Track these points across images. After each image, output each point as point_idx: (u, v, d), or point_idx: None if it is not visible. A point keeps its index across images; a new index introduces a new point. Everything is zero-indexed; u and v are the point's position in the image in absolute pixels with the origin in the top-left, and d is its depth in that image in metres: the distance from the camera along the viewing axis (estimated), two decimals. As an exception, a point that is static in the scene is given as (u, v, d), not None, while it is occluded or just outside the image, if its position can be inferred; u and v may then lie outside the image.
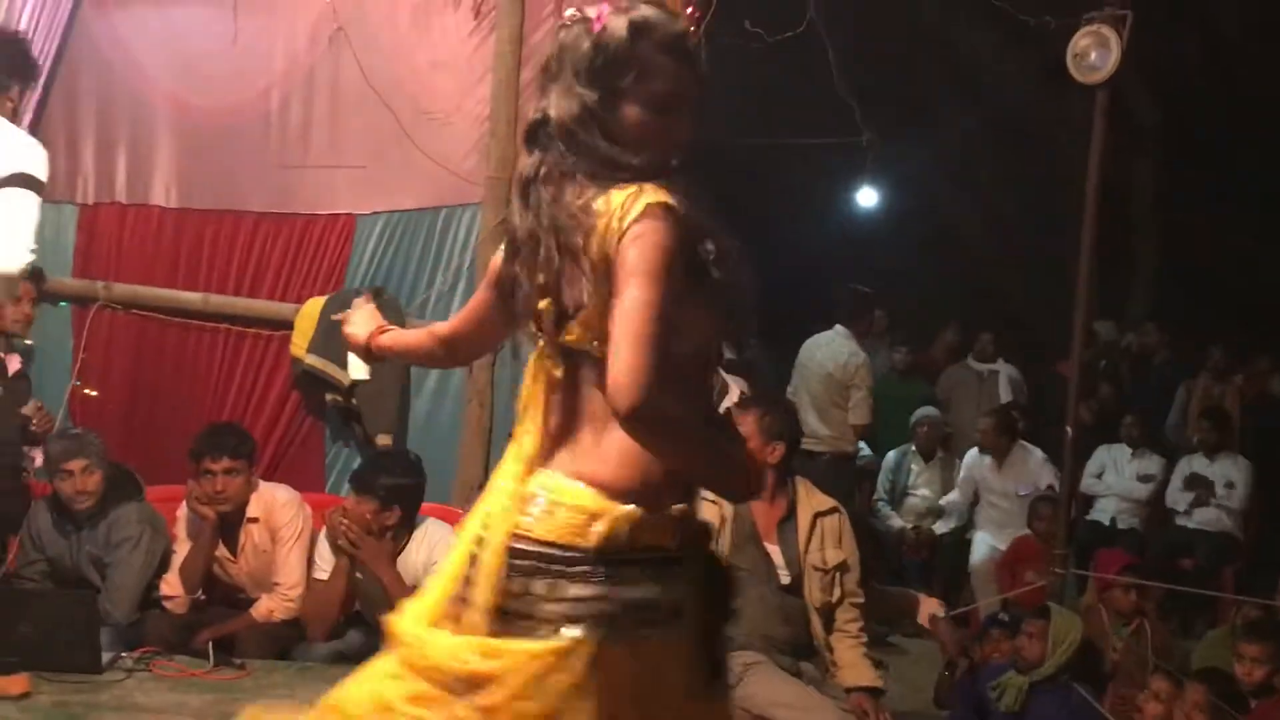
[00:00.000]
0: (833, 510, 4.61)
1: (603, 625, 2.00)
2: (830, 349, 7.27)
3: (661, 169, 2.12)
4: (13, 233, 4.01)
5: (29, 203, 4.05)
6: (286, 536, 4.97)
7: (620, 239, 2.00)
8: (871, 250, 11.79)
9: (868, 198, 12.36)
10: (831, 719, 4.14)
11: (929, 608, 5.76)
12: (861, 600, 4.59)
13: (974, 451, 8.03)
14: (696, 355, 2.16)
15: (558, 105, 2.15)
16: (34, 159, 4.12)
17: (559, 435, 2.16)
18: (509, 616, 2.05)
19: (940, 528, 8.21)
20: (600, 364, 2.03)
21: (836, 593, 4.51)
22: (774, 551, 4.47)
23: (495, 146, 5.62)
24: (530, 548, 2.06)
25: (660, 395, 1.95)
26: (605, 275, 2.02)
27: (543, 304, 2.12)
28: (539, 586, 2.04)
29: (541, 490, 2.10)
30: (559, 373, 2.14)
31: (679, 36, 2.20)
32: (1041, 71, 7.14)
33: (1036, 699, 5.00)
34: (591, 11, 2.17)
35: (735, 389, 5.36)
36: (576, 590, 2.02)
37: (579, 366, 2.13)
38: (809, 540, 4.49)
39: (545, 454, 2.16)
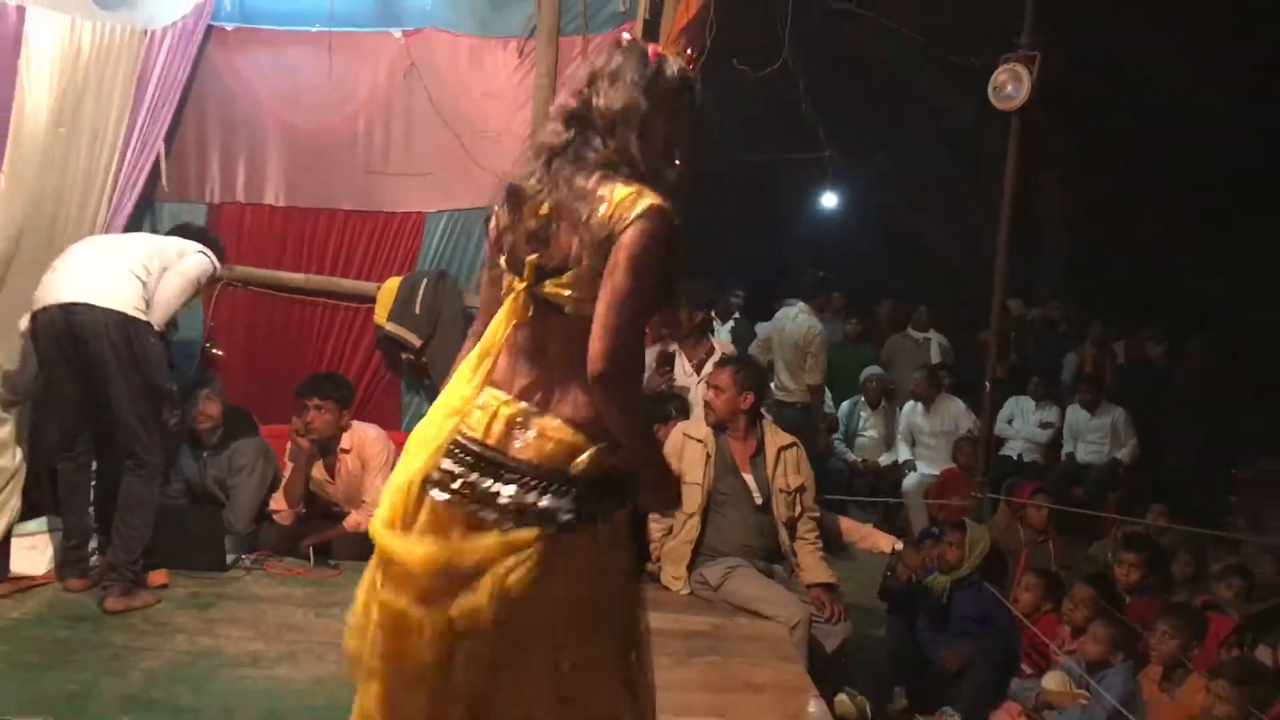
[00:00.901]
0: (792, 444, 4.70)
1: (566, 524, 2.02)
2: (795, 322, 7.25)
3: (667, 181, 2.11)
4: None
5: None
6: (373, 465, 4.97)
7: (626, 227, 1.99)
8: (832, 244, 11.77)
9: (829, 202, 12.33)
10: (796, 609, 4.17)
11: (847, 527, 5.81)
12: (818, 514, 4.67)
13: (910, 402, 8.06)
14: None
15: (609, 97, 2.13)
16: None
17: (518, 370, 2.14)
18: (476, 510, 2.04)
19: (884, 460, 8.24)
20: (570, 321, 2.05)
21: (798, 509, 4.58)
22: (748, 479, 4.54)
23: (535, 159, 5.59)
24: (518, 464, 2.05)
25: (626, 367, 1.99)
26: (601, 251, 2.00)
27: (530, 257, 2.09)
28: (521, 494, 2.03)
29: (531, 420, 2.08)
30: (527, 317, 2.11)
31: (695, 98, 2.23)
32: (968, 100, 7.08)
33: (957, 594, 5.02)
34: (645, 46, 2.21)
35: (719, 349, 5.35)
36: (552, 501, 2.03)
37: (547, 316, 2.10)
38: (775, 468, 4.55)
39: (505, 383, 2.14)
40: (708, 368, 5.24)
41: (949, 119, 9.68)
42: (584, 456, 2.05)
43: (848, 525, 5.71)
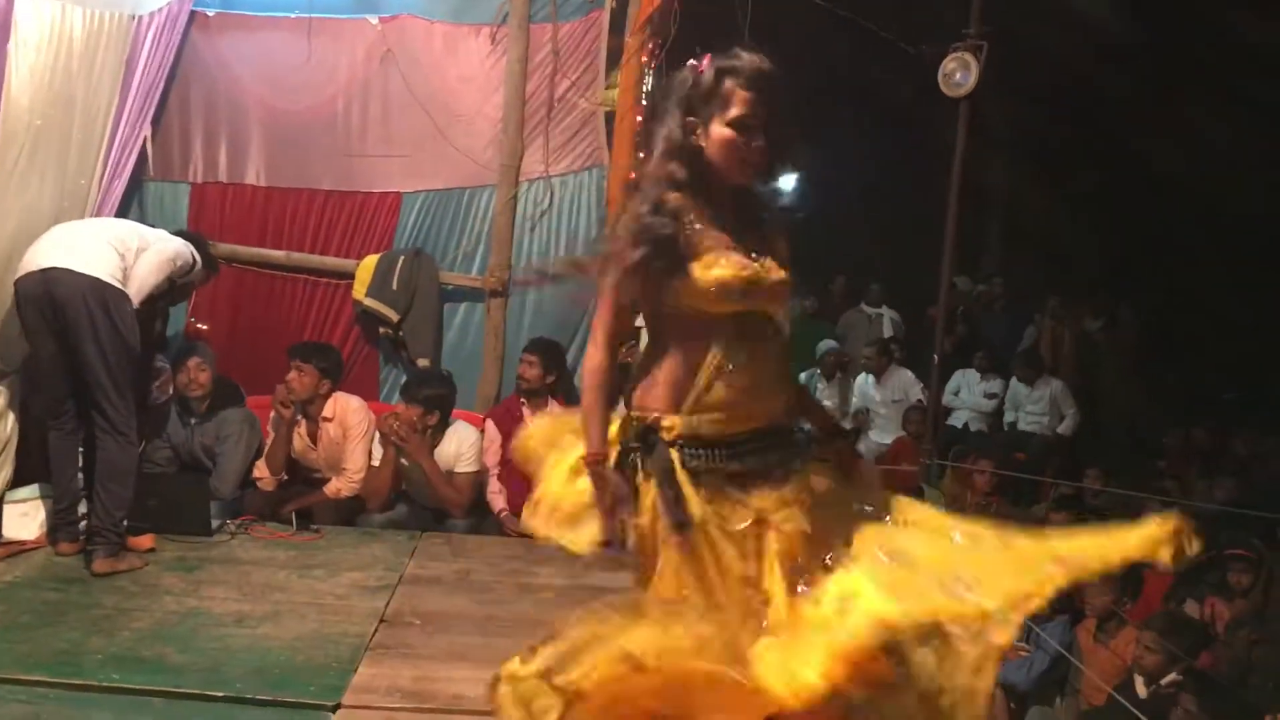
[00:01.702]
0: None
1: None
2: None
3: (746, 176, 2.25)
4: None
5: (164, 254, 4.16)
6: (354, 433, 4.95)
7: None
8: (789, 223, 11.76)
9: (787, 183, 12.31)
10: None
11: None
12: None
13: (862, 374, 8.11)
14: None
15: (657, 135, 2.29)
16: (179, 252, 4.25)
17: None
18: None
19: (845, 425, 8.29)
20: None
21: None
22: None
23: (506, 142, 5.57)
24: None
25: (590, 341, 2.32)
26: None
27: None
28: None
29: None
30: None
31: (756, 73, 2.21)
32: (920, 88, 7.09)
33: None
34: (698, 61, 2.27)
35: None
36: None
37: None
38: None
39: None
40: None
41: (900, 102, 9.70)
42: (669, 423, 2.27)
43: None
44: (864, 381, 8.08)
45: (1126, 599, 4.50)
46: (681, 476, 2.19)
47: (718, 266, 2.19)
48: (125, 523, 4.05)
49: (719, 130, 2.21)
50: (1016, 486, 6.35)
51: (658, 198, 2.22)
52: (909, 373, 7.98)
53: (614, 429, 2.31)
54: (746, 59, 2.22)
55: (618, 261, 2.21)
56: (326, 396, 4.99)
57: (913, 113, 8.63)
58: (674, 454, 2.21)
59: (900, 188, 11.06)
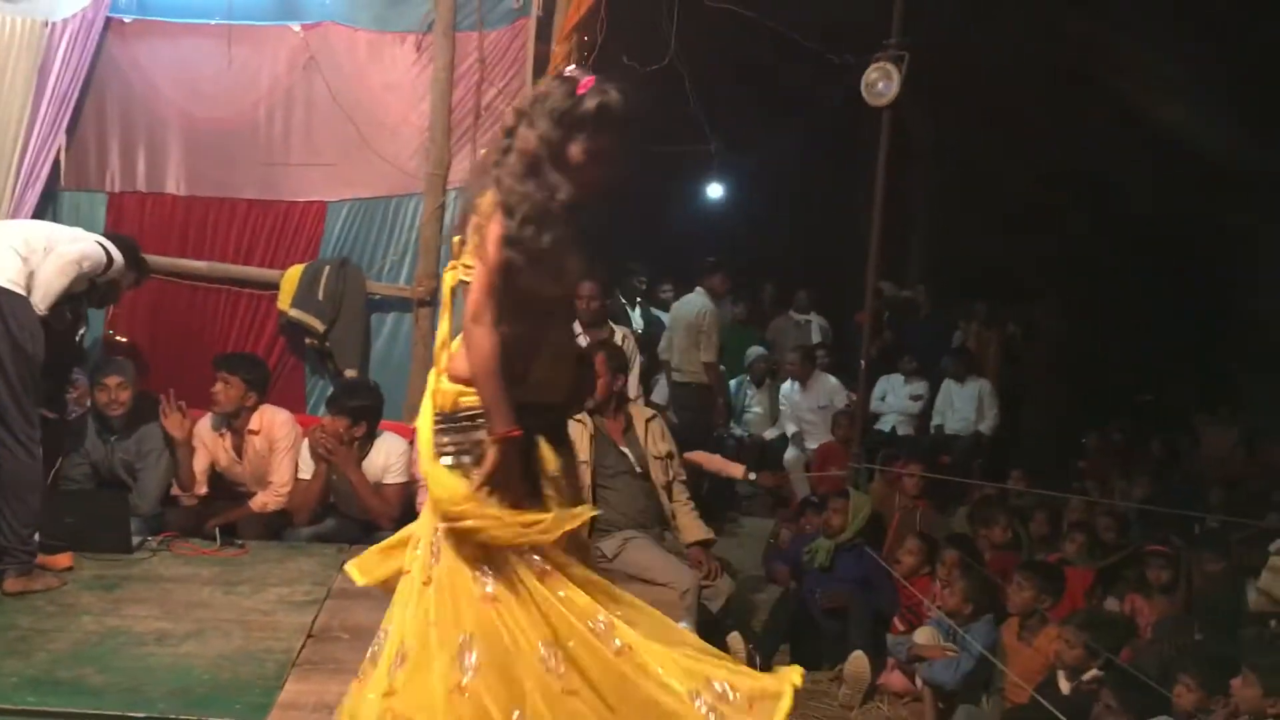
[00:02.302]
0: (655, 416, 4.88)
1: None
2: (689, 304, 7.31)
3: (585, 195, 2.47)
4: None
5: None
6: (281, 446, 4.87)
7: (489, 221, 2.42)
8: (718, 231, 11.85)
9: (715, 191, 12.42)
10: (686, 576, 4.24)
11: (732, 469, 5.92)
12: (685, 478, 4.77)
13: (789, 381, 8.19)
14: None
15: (524, 137, 2.46)
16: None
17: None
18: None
19: (770, 434, 8.35)
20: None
21: (670, 473, 4.68)
22: (626, 452, 4.60)
23: (433, 150, 5.53)
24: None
25: (476, 325, 2.38)
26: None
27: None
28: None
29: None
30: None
31: (626, 113, 2.47)
32: (843, 96, 7.19)
33: (840, 557, 5.13)
34: (577, 74, 2.49)
35: (620, 333, 5.37)
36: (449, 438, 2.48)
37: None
38: (645, 439, 4.63)
39: None
40: None
41: (824, 112, 9.82)
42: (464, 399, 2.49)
43: (702, 457, 5.78)
44: (789, 388, 8.15)
45: (1048, 597, 4.59)
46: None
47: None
48: (36, 538, 3.93)
49: (582, 155, 2.45)
50: (943, 489, 6.44)
51: (548, 204, 2.42)
52: (833, 379, 8.07)
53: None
54: (622, 96, 2.48)
55: (520, 249, 2.39)
56: (253, 409, 4.90)
57: (838, 121, 8.73)
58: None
59: (827, 195, 11.20)
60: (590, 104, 2.43)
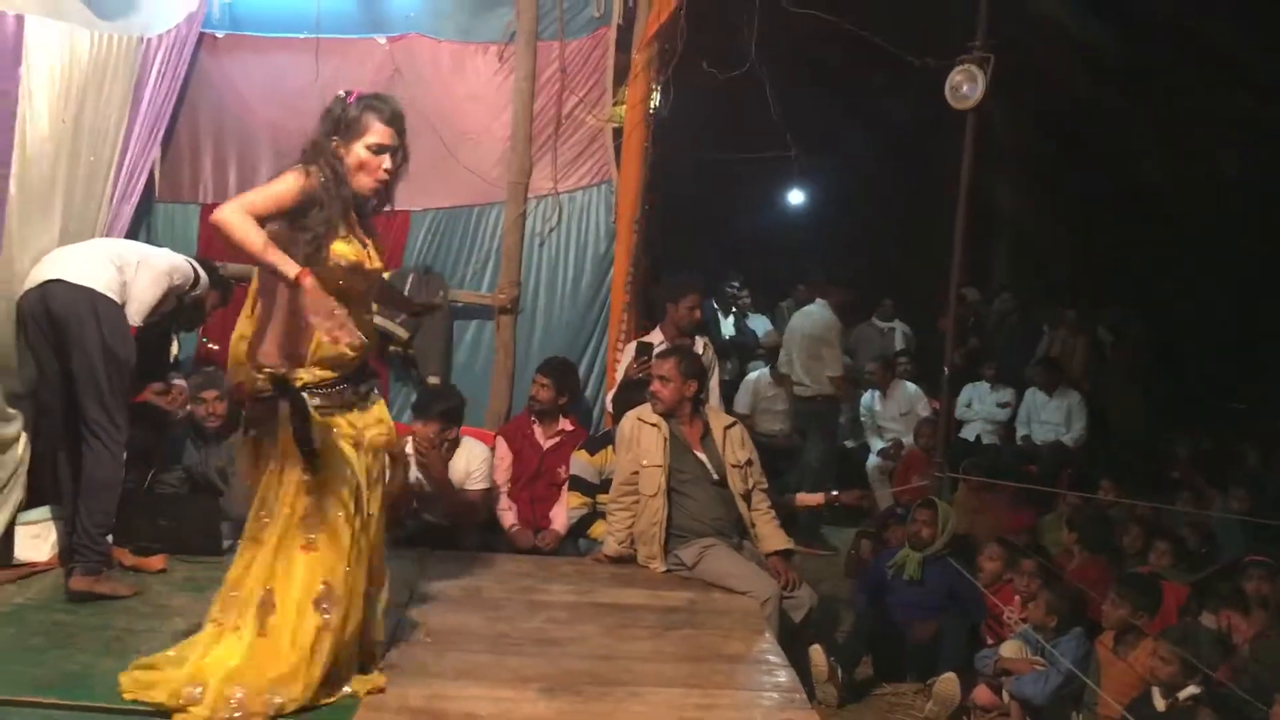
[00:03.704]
0: (734, 423, 4.81)
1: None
2: (811, 317, 7.31)
3: (367, 192, 3.00)
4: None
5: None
6: None
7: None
8: (795, 238, 11.78)
9: (796, 198, 12.34)
10: (767, 585, 4.19)
11: (807, 500, 5.87)
12: (766, 486, 4.74)
13: (868, 390, 8.11)
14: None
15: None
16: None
17: None
18: None
19: (850, 443, 8.27)
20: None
21: (750, 482, 4.63)
22: (703, 458, 4.56)
23: (515, 159, 5.58)
24: None
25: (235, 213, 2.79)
26: None
27: None
28: None
29: None
30: None
31: (391, 107, 3.02)
32: (925, 100, 7.08)
33: (926, 569, 5.03)
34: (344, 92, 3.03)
35: (699, 343, 5.35)
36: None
37: None
38: (724, 446, 4.59)
39: None
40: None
41: (906, 116, 9.69)
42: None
43: (803, 499, 5.80)
44: (869, 398, 8.06)
45: (1144, 612, 4.44)
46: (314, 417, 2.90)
47: (346, 245, 2.92)
48: (109, 540, 4.01)
49: (356, 151, 2.95)
50: (1029, 499, 6.29)
51: (333, 178, 2.91)
52: (913, 386, 7.96)
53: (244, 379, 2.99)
54: (388, 101, 3.03)
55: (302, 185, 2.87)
56: None
57: (920, 125, 8.61)
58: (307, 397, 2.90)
59: (909, 200, 11.05)
60: (354, 107, 2.96)
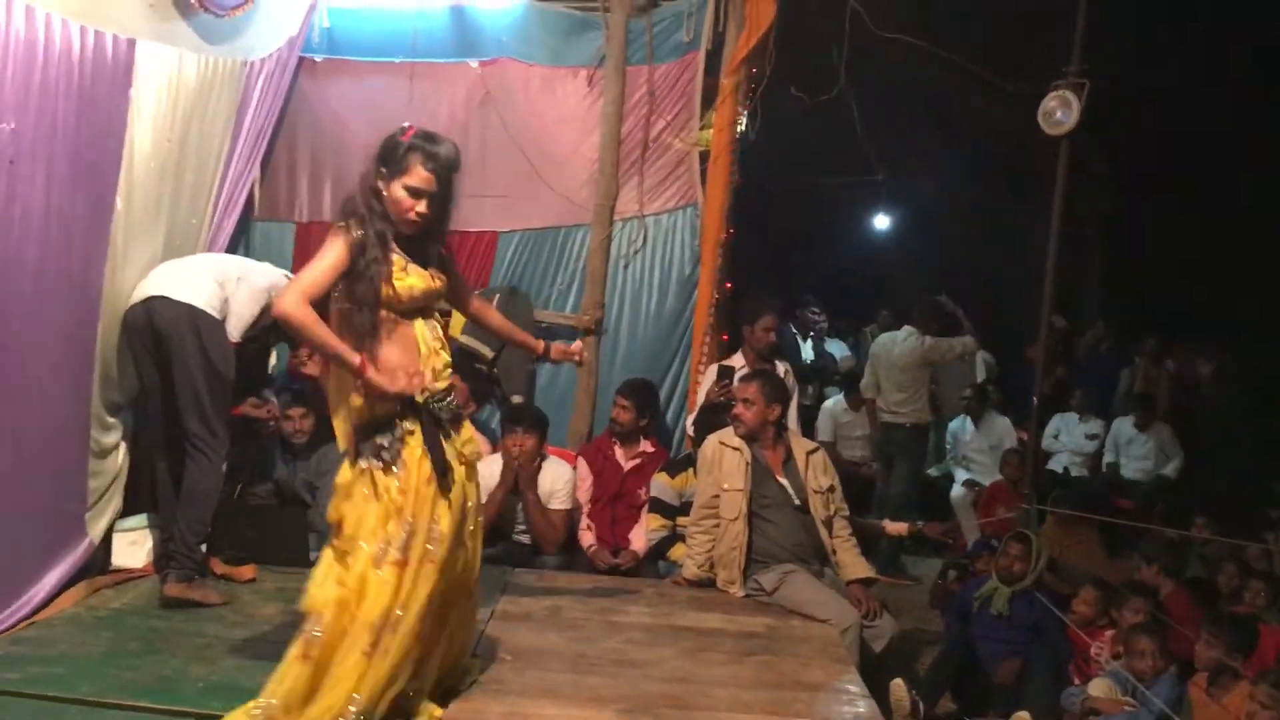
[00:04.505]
0: (816, 449, 4.74)
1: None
2: (903, 344, 7.22)
3: (405, 228, 3.01)
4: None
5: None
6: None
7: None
8: (880, 262, 11.68)
9: (881, 223, 12.23)
10: (848, 613, 4.13)
11: (893, 528, 5.78)
12: (848, 513, 4.67)
13: (959, 418, 7.95)
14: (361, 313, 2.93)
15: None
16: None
17: None
18: None
19: (934, 471, 8.13)
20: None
21: (832, 508, 4.57)
22: (785, 483, 4.52)
23: (602, 181, 5.61)
24: None
25: (296, 307, 2.85)
26: None
27: None
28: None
29: None
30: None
31: (438, 154, 3.00)
32: (1017, 125, 6.98)
33: (1014, 603, 4.91)
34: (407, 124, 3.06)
35: (781, 368, 5.31)
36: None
37: None
38: (806, 472, 4.55)
39: None
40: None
41: (995, 142, 9.56)
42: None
43: (893, 526, 5.71)
44: (959, 425, 7.91)
45: (1238, 653, 4.28)
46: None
47: (412, 277, 3.00)
48: (204, 549, 4.11)
49: (396, 189, 2.98)
50: (1119, 534, 6.12)
51: (369, 215, 2.98)
52: (1006, 420, 7.77)
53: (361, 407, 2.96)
54: (439, 146, 3.01)
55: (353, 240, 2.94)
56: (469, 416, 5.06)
57: (1009, 151, 8.49)
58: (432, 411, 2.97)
59: (995, 226, 10.89)
60: (404, 146, 2.98)
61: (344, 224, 2.97)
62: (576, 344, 3.95)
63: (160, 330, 4.02)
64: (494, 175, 5.69)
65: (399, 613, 2.87)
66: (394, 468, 2.92)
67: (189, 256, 4.58)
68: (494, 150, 5.68)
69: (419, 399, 2.96)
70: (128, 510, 4.43)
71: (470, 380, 5.15)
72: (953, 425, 8.01)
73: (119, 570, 4.32)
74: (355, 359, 2.86)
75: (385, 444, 2.93)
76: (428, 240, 3.10)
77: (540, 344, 3.78)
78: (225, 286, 4.19)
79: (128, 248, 4.27)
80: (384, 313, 2.98)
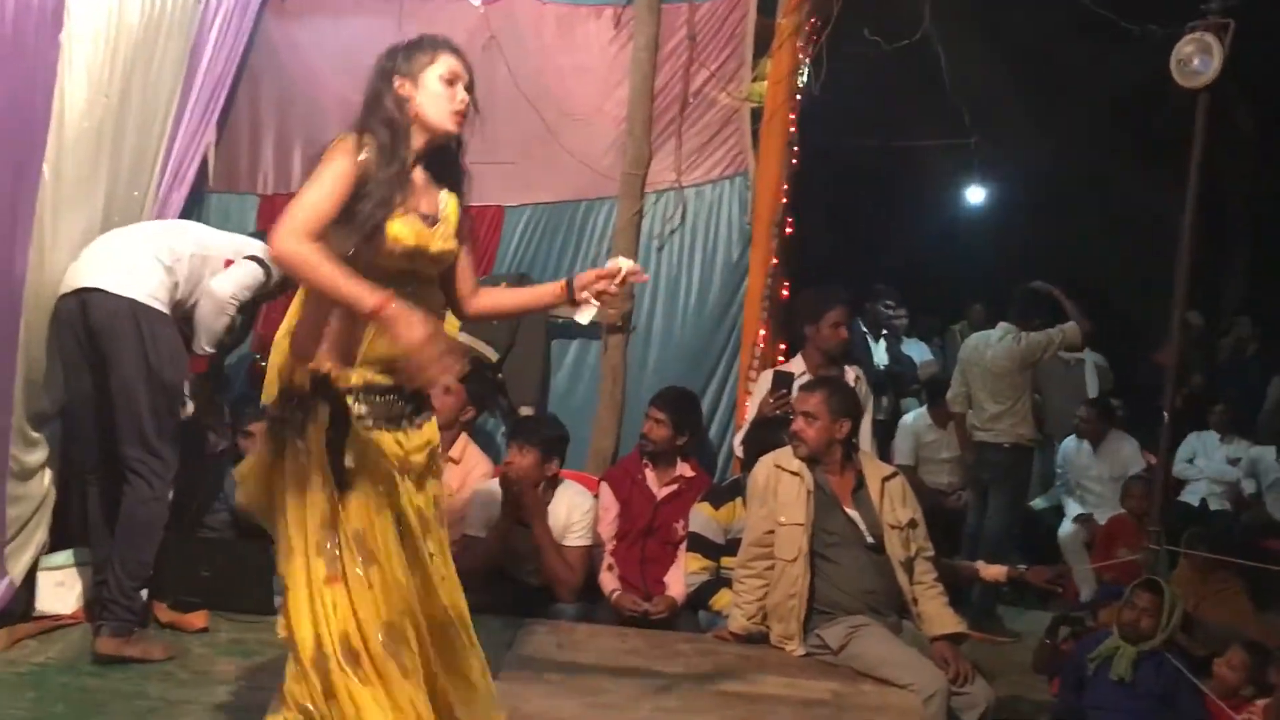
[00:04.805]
0: (894, 474, 4.72)
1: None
2: (999, 346, 7.15)
3: (450, 127, 2.98)
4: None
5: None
6: (466, 494, 5.03)
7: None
8: (974, 246, 11.63)
9: (975, 196, 12.18)
10: (933, 677, 4.11)
11: (990, 572, 5.72)
12: (932, 553, 4.63)
13: (1071, 438, 7.87)
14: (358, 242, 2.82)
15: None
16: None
17: None
18: None
19: (1039, 503, 8.08)
20: None
21: (912, 547, 4.55)
22: (855, 516, 4.51)
23: (631, 145, 5.62)
24: None
25: (295, 246, 2.71)
26: None
27: None
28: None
29: None
30: None
31: (457, 48, 3.04)
32: (1141, 77, 6.93)
33: (1139, 667, 4.87)
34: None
35: (851, 374, 5.30)
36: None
37: None
38: (881, 502, 4.54)
39: None
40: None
41: (1118, 96, 9.50)
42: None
43: (990, 570, 5.66)
44: (1072, 447, 7.82)
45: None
46: (356, 427, 2.87)
47: (403, 225, 2.86)
48: (144, 596, 4.12)
49: (428, 80, 2.95)
50: (1269, 583, 6.06)
51: (392, 150, 2.89)
52: (1133, 442, 7.66)
53: (277, 379, 2.96)
54: (449, 40, 3.04)
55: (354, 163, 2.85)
56: (466, 426, 5.11)
57: (1134, 108, 8.43)
58: (351, 403, 2.87)
59: (1115, 201, 10.83)
60: (413, 41, 3.00)
61: (358, 136, 2.88)
62: (618, 263, 3.44)
63: (96, 328, 4.05)
64: (499, 138, 5.67)
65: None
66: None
67: (131, 228, 4.57)
68: (500, 107, 5.68)
69: (337, 384, 2.87)
70: (55, 545, 4.46)
71: (474, 382, 5.15)
72: (1064, 447, 7.93)
73: (44, 617, 4.35)
74: (370, 299, 2.70)
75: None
76: (445, 172, 3.06)
77: (559, 286, 3.47)
78: (176, 269, 4.21)
79: (57, 225, 4.30)
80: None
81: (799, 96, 5.55)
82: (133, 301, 4.07)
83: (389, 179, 2.85)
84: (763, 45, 5.53)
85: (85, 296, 4.09)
